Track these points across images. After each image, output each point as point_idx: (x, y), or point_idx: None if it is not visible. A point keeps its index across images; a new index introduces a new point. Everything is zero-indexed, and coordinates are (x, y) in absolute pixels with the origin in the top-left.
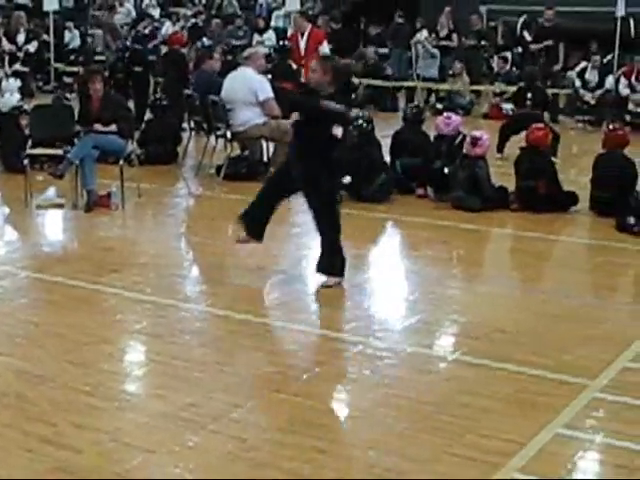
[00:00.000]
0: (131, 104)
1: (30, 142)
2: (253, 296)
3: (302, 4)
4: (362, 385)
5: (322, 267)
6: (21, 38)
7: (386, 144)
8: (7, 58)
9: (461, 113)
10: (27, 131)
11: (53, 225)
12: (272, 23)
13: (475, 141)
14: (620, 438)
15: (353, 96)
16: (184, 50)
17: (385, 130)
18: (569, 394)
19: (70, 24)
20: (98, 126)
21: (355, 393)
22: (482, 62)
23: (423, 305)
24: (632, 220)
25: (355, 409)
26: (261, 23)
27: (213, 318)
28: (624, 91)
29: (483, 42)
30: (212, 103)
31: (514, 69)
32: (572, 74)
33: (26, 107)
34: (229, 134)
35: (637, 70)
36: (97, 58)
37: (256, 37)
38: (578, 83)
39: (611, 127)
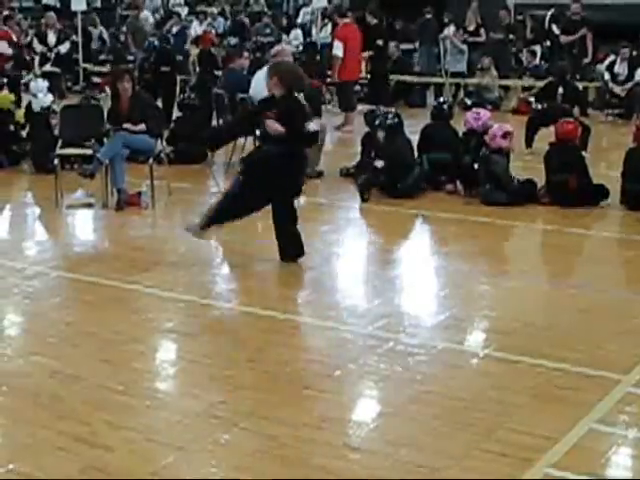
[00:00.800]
0: (159, 103)
1: (60, 142)
2: (283, 293)
3: (329, 1)
4: (393, 382)
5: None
6: (52, 39)
7: (414, 140)
8: (37, 59)
9: (490, 108)
10: (57, 131)
11: (84, 225)
12: (299, 20)
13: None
14: None
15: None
16: (214, 49)
17: (413, 126)
18: (602, 389)
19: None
20: (128, 125)
21: (386, 390)
22: (510, 56)
23: (454, 301)
24: None
25: (386, 406)
26: (287, 21)
27: (243, 316)
28: None
29: (511, 36)
30: (241, 101)
31: (543, 63)
32: (601, 67)
33: (55, 107)
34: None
35: None
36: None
37: (284, 36)
38: (607, 76)
39: None
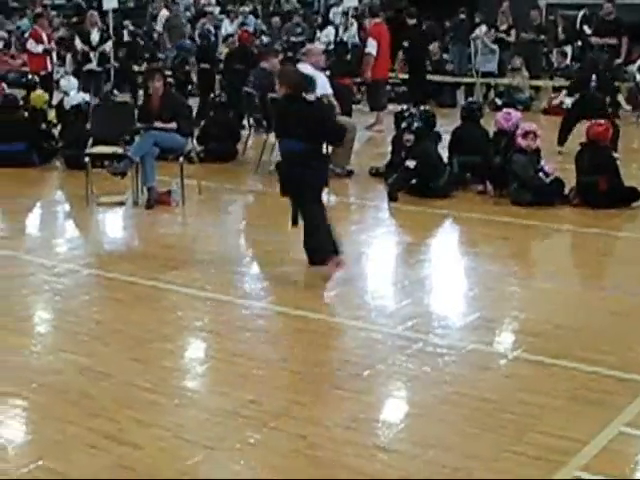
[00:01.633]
0: (191, 102)
1: (91, 140)
2: (313, 293)
3: (360, 1)
4: (423, 382)
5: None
6: (95, 37)
7: (444, 139)
8: (70, 57)
9: (520, 108)
10: (88, 128)
11: (114, 222)
12: (330, 19)
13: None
14: None
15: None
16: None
17: (444, 126)
18: (632, 392)
19: (128, 22)
20: (158, 124)
21: (416, 390)
22: (541, 57)
23: (483, 302)
24: None
25: (416, 406)
26: (320, 19)
27: (273, 315)
28: None
29: (542, 36)
30: (271, 100)
31: (573, 63)
32: (633, 68)
33: (87, 105)
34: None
35: None
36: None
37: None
38: (639, 77)
39: None
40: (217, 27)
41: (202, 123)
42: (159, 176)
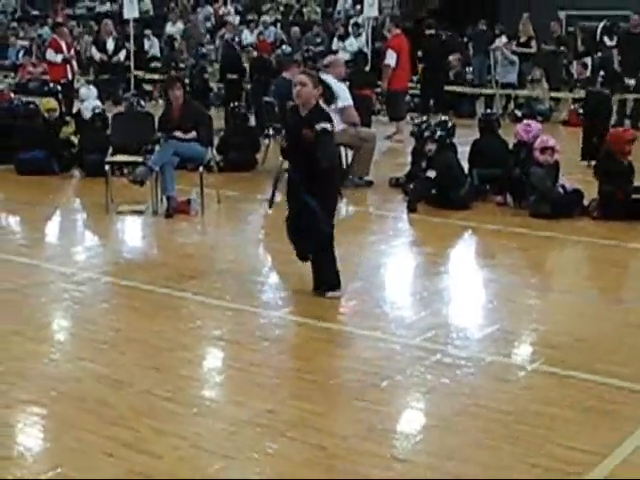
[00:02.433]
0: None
1: (111, 149)
2: (332, 303)
3: (380, 11)
4: (441, 394)
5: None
6: (110, 46)
7: (462, 151)
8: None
9: (540, 120)
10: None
11: (133, 231)
12: (349, 30)
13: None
14: None
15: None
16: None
17: (463, 137)
18: None
19: (149, 32)
20: (178, 133)
21: (433, 402)
22: (561, 68)
23: (502, 314)
24: None
25: (433, 418)
26: (341, 29)
27: (292, 325)
28: None
29: (562, 48)
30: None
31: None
32: None
33: (103, 113)
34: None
35: None
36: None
37: (338, 44)
38: None
39: None
40: (237, 36)
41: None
42: (179, 185)
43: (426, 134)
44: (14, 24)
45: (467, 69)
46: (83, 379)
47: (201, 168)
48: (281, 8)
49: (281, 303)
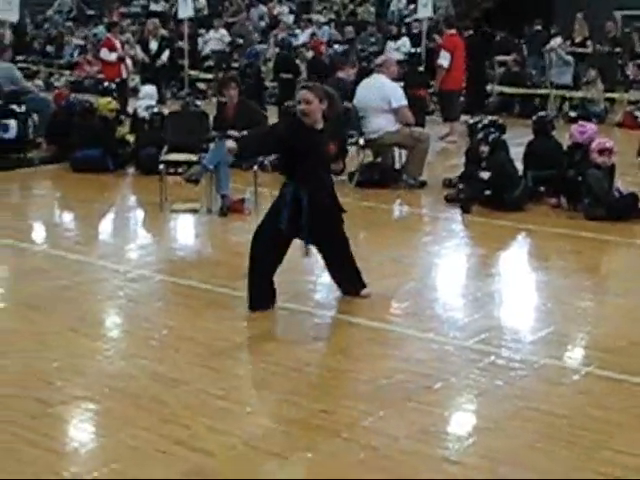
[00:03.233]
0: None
1: (166, 147)
2: (385, 304)
3: (435, 11)
4: (493, 396)
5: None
6: (154, 46)
7: (515, 152)
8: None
9: (595, 121)
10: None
11: (187, 229)
12: (403, 30)
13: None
14: None
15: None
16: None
17: (515, 138)
18: None
19: (203, 31)
20: (233, 132)
21: (486, 404)
22: (617, 69)
23: (555, 316)
24: None
25: (486, 420)
26: (395, 30)
27: (345, 325)
28: None
29: (618, 49)
30: (345, 110)
31: None
32: None
33: (160, 112)
34: (362, 141)
35: None
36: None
37: (390, 44)
38: None
39: None
40: (291, 36)
41: None
42: (233, 184)
43: (480, 135)
44: (69, 23)
45: (527, 70)
46: (137, 376)
47: (255, 167)
48: (335, 7)
49: (334, 303)
